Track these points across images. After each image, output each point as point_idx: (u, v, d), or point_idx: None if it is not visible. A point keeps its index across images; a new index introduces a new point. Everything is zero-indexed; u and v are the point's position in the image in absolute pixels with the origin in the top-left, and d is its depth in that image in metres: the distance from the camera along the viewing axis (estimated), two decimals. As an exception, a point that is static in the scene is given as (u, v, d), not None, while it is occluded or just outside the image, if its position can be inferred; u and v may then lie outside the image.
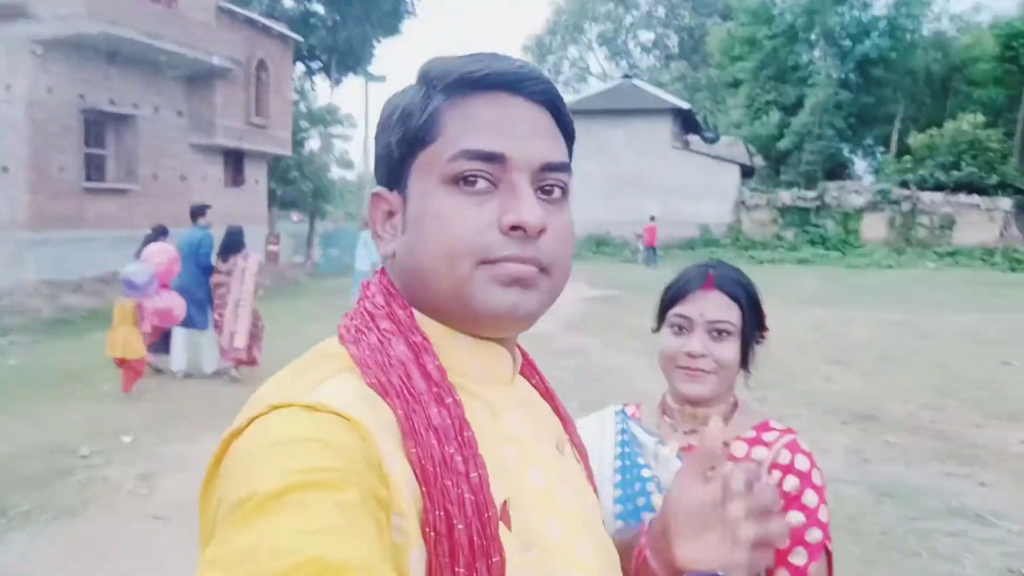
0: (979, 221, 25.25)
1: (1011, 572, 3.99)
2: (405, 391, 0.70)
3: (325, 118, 27.90)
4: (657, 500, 1.40)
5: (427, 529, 0.65)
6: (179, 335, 8.47)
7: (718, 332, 1.41)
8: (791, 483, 1.36)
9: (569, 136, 0.82)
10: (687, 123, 31.27)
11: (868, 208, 26.48)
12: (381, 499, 0.61)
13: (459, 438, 0.69)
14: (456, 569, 0.65)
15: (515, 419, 0.79)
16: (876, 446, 6.20)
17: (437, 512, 0.65)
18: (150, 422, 6.62)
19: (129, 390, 7.54)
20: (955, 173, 26.16)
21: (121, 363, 7.54)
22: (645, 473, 1.46)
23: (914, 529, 4.53)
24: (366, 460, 0.62)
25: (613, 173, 27.81)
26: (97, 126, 15.75)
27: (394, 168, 0.78)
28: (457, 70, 0.76)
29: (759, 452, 1.41)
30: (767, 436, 1.43)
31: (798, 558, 1.32)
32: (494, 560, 0.66)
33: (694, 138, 31.94)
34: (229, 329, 8.27)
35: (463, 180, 0.73)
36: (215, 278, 8.53)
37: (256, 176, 21.37)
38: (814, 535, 1.34)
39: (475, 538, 0.65)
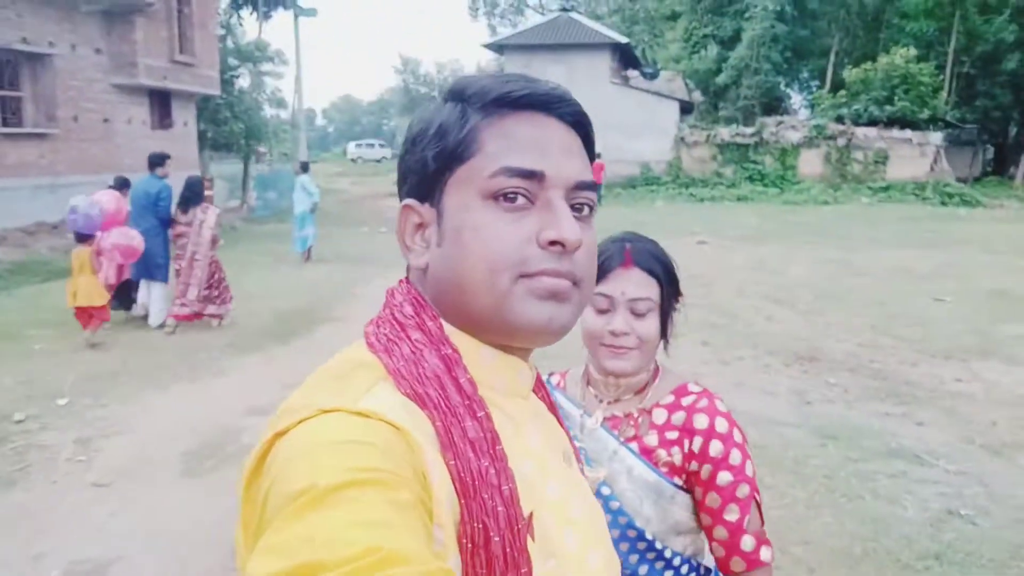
0: (911, 156, 25.78)
1: (950, 512, 4.14)
2: (442, 403, 0.72)
3: (254, 55, 26.81)
4: (586, 471, 1.41)
5: (464, 540, 0.68)
6: (142, 288, 8.61)
7: (639, 309, 1.45)
8: (716, 448, 1.43)
9: (591, 156, 0.85)
10: (626, 58, 30.98)
11: (805, 144, 26.76)
12: (427, 507, 0.64)
13: (492, 451, 0.72)
14: None
15: (533, 433, 0.82)
16: (818, 387, 6.35)
17: (475, 524, 0.68)
18: (85, 383, 6.39)
19: (93, 333, 7.58)
20: (888, 108, 26.53)
21: (82, 312, 7.51)
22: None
23: (856, 471, 4.66)
24: (413, 469, 0.64)
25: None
26: (11, 67, 14.81)
27: (428, 182, 0.79)
28: (496, 89, 0.78)
29: (678, 417, 1.47)
30: (685, 400, 1.49)
31: (731, 515, 1.42)
32: (523, 571, 0.70)
33: (633, 73, 31.70)
34: (184, 281, 8.39)
35: (503, 196, 0.75)
36: (176, 229, 8.56)
37: (184, 118, 20.49)
38: (743, 491, 1.43)
39: (508, 550, 0.69)
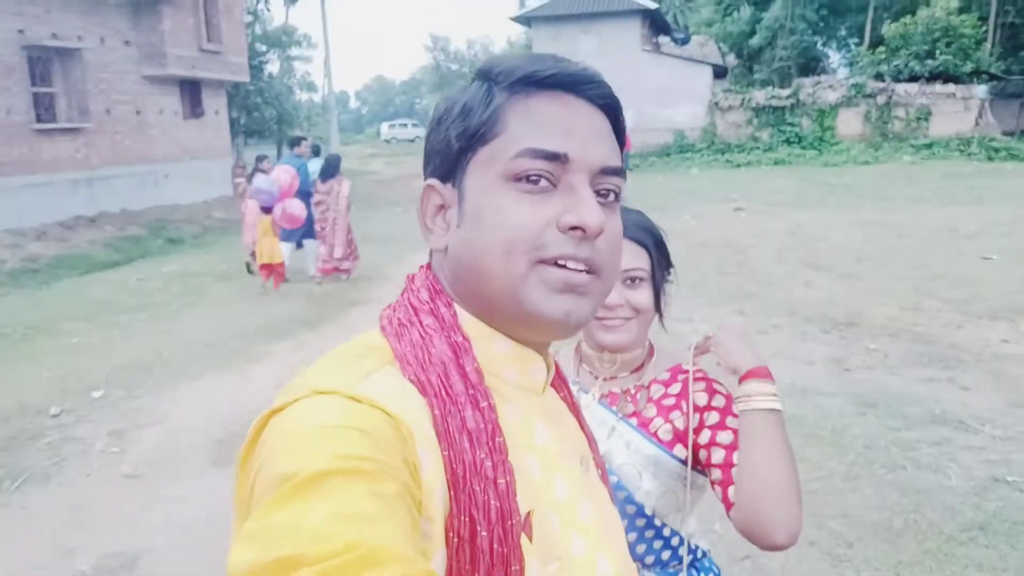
0: (954, 111, 24.92)
1: (996, 480, 3.98)
2: (443, 391, 0.71)
3: (282, 40, 26.94)
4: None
5: (450, 534, 0.66)
6: (284, 248, 9.85)
7: (631, 280, 1.44)
8: (712, 418, 1.41)
9: (621, 141, 0.82)
10: (656, 24, 30.42)
11: (843, 104, 26.01)
12: (415, 498, 0.62)
13: (490, 443, 0.70)
14: None
15: (542, 430, 0.80)
16: (857, 353, 6.17)
17: (462, 517, 0.66)
18: (120, 374, 6.46)
19: (276, 288, 9.58)
20: (930, 62, 25.67)
21: (266, 267, 9.50)
22: None
23: (897, 440, 4.50)
24: (404, 459, 0.63)
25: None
26: (42, 63, 15.00)
27: (450, 162, 0.78)
28: (523, 68, 0.76)
29: (674, 387, 1.48)
30: (682, 376, 1.49)
31: (732, 493, 1.37)
32: (513, 568, 0.67)
33: (664, 40, 31.16)
34: (329, 242, 9.95)
35: (525, 178, 0.73)
36: (316, 197, 10.06)
37: (215, 106, 20.63)
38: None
39: (496, 545, 0.66)
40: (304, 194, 9.78)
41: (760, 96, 27.08)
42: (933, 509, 3.72)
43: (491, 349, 0.77)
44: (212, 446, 4.97)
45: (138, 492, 4.37)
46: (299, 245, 10.40)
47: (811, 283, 8.75)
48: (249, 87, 22.44)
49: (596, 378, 1.53)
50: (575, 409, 0.92)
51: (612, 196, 0.78)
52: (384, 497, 0.58)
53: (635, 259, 1.44)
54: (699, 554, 1.51)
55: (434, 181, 0.79)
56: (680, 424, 1.43)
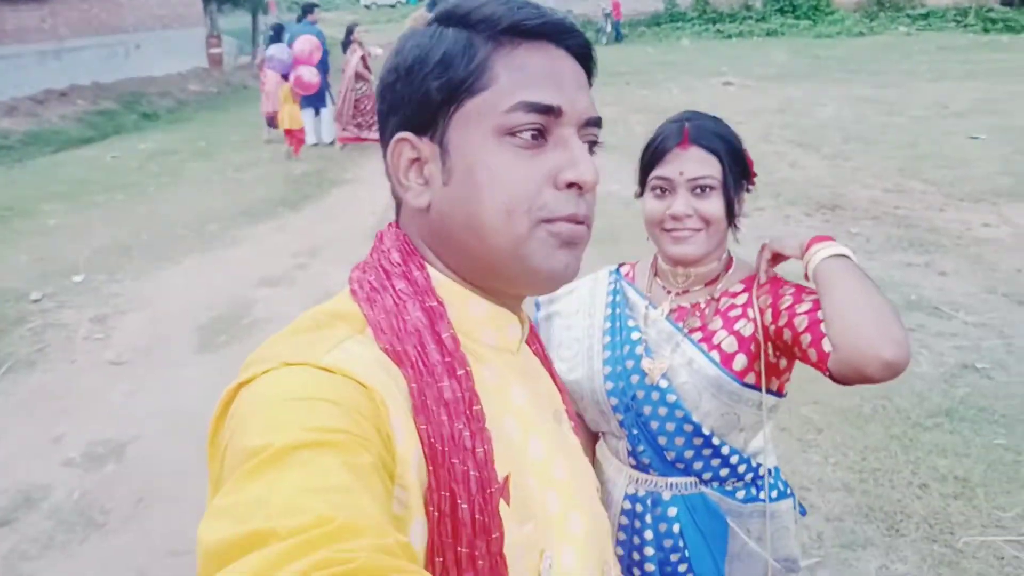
0: (954, -22, 24.08)
1: (965, 367, 4.06)
2: (420, 362, 0.69)
3: None
4: (646, 364, 1.44)
5: (430, 508, 0.66)
6: (307, 116, 10.46)
7: (701, 189, 1.38)
8: (786, 301, 1.34)
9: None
10: None
11: (840, -31, 25.10)
12: (388, 468, 0.62)
13: (468, 412, 0.69)
14: (458, 548, 0.66)
15: (518, 390, 0.79)
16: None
17: (442, 492, 0.66)
18: (100, 257, 6.42)
19: (297, 154, 10.07)
20: (932, -75, 24.60)
21: (288, 133, 10.02)
22: (634, 336, 1.48)
23: (872, 326, 4.56)
24: (376, 429, 0.62)
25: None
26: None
27: (428, 114, 0.74)
28: (508, 17, 0.73)
29: (741, 298, 1.43)
30: (753, 288, 1.44)
31: (827, 344, 1.24)
32: (494, 536, 0.68)
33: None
34: (340, 110, 10.36)
35: (518, 132, 0.72)
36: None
37: (185, -30, 19.63)
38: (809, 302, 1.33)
39: (477, 516, 0.67)
40: (322, 63, 10.20)
41: (755, -39, 25.98)
42: (902, 395, 3.81)
43: (467, 312, 0.77)
44: (195, 332, 5.01)
45: (123, 379, 4.42)
46: (317, 112, 10.79)
47: (797, 163, 8.66)
48: (220, -50, 21.30)
49: (668, 292, 1.49)
50: (547, 362, 0.92)
51: (593, 148, 0.79)
52: (357, 468, 0.57)
53: (704, 167, 1.38)
54: (761, 472, 1.49)
55: (407, 134, 0.75)
56: (747, 332, 1.39)
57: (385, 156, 0.78)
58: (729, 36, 23.97)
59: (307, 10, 10.90)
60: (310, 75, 9.77)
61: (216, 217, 7.55)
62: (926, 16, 23.50)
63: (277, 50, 9.87)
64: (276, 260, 6.25)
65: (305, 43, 9.79)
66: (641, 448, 1.46)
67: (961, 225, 6.33)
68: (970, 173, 7.83)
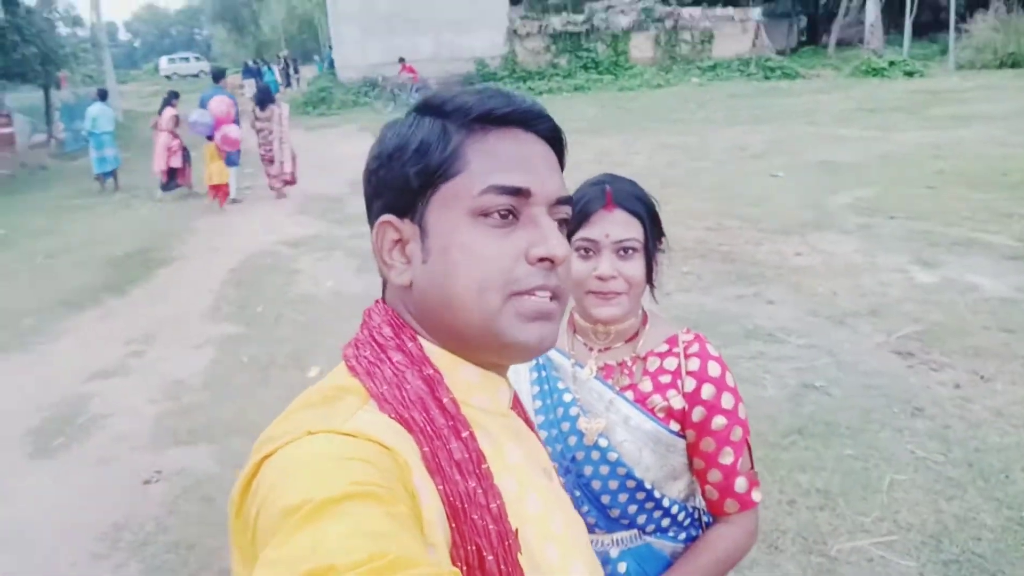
0: (734, 33, 26.57)
1: (806, 386, 4.40)
2: (428, 427, 0.72)
3: (38, -32, 23.95)
4: (583, 423, 1.46)
5: (458, 564, 0.68)
6: (233, 172, 11.09)
7: (624, 251, 1.42)
8: (708, 391, 1.43)
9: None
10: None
11: (634, 28, 26.98)
12: (419, 526, 0.64)
13: (478, 471, 0.72)
14: None
15: (513, 449, 0.83)
16: (673, 277, 6.53)
17: (468, 547, 0.69)
18: None
19: (223, 206, 10.89)
20: (709, -14, 27.12)
21: (214, 188, 10.90)
22: (567, 397, 1.49)
23: (719, 358, 4.85)
24: (404, 487, 0.65)
25: (378, 10, 26.26)
26: None
27: (408, 198, 0.79)
28: (478, 107, 0.78)
29: (670, 362, 1.46)
30: (677, 348, 1.48)
31: (726, 458, 1.43)
32: None
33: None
34: (279, 159, 11.13)
35: (490, 213, 0.76)
36: (258, 124, 11.22)
37: (-35, 46, 18.19)
38: (736, 434, 1.43)
39: (502, 566, 0.70)
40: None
41: (557, 22, 27.50)
42: (756, 419, 4.04)
43: (459, 377, 0.80)
44: (27, 436, 4.55)
45: None
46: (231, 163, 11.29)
47: (623, 209, 9.12)
48: (3, 23, 19.90)
49: (591, 350, 1.51)
50: (530, 423, 0.96)
51: (563, 224, 0.83)
52: (399, 517, 0.59)
53: (628, 229, 1.41)
54: (696, 514, 1.54)
55: (390, 216, 0.80)
56: (676, 405, 1.44)
57: (372, 237, 0.82)
58: (540, 93, 25.02)
59: (217, 76, 12.20)
60: (236, 132, 10.67)
61: (31, 310, 6.94)
62: (714, 67, 25.78)
63: (199, 115, 10.63)
64: (107, 350, 5.82)
65: (221, 103, 10.62)
66: (585, 508, 1.47)
67: (778, 256, 6.91)
68: (776, 208, 8.58)
